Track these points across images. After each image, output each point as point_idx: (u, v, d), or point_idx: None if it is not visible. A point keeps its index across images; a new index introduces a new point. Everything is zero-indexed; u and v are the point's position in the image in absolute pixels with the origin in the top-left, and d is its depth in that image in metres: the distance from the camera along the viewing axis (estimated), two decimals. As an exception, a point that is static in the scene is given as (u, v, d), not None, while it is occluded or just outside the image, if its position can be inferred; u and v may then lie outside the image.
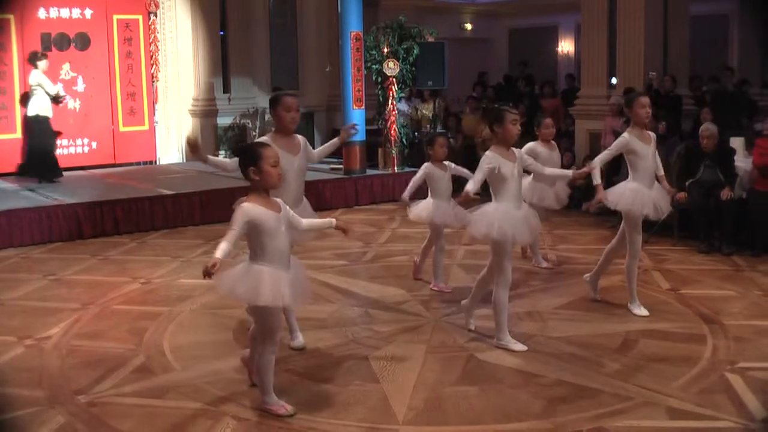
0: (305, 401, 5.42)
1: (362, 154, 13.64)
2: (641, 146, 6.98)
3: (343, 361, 6.17)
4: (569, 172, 7.23)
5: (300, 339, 6.47)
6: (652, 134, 7.19)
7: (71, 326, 7.12)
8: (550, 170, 7.18)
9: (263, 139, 5.98)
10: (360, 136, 13.50)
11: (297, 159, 6.09)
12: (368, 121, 14.20)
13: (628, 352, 6.31)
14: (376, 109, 14.68)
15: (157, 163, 15.65)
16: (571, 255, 9.42)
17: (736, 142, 10.37)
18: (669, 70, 12.72)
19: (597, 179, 6.95)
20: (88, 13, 14.46)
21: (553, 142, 8.75)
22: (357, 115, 13.41)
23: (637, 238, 7.20)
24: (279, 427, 5.08)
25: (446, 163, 7.91)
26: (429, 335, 6.73)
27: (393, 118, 14.11)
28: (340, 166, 13.78)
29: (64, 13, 14.23)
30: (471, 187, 6.16)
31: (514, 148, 6.35)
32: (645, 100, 7.05)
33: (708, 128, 9.59)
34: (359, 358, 6.23)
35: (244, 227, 4.86)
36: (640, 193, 7.02)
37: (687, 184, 9.58)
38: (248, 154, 5.00)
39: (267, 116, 15.20)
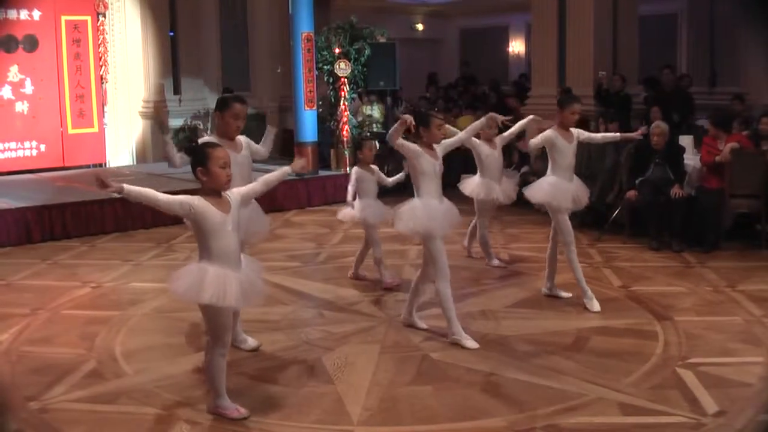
0: (259, 404, 5.39)
1: (314, 155, 13.59)
2: (564, 144, 7.35)
3: (296, 363, 6.15)
4: (481, 122, 7.40)
5: (250, 341, 6.46)
6: (576, 132, 7.48)
7: (21, 332, 7.02)
8: (465, 132, 7.12)
9: (212, 139, 5.94)
10: (312, 137, 13.47)
11: (240, 156, 6.15)
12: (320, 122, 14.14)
13: (580, 349, 6.36)
14: (328, 110, 14.66)
15: (107, 165, 15.47)
16: (524, 253, 9.46)
17: (685, 140, 10.49)
18: (618, 69, 12.82)
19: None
20: (36, 14, 14.26)
21: (495, 141, 8.87)
22: (308, 116, 13.37)
23: (566, 224, 7.41)
24: (233, 430, 5.05)
25: (373, 166, 8.23)
26: (383, 336, 6.73)
27: (345, 119, 14.10)
28: (292, 167, 13.69)
29: (12, 14, 14.03)
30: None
31: (435, 146, 6.55)
32: (577, 107, 7.45)
33: (659, 126, 9.69)
34: (313, 360, 6.20)
35: (181, 205, 4.84)
36: (559, 186, 7.36)
37: (637, 182, 9.68)
38: (197, 155, 4.97)
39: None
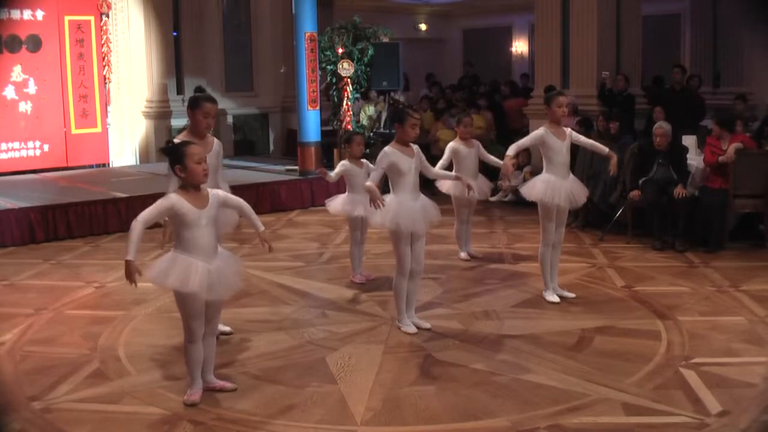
0: (262, 403, 5.40)
1: (318, 155, 13.58)
2: (555, 141, 7.36)
3: (300, 363, 6.15)
4: (452, 174, 7.90)
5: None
6: (568, 130, 7.54)
7: (25, 332, 7.02)
8: (436, 172, 7.33)
9: (183, 137, 6.15)
10: (315, 136, 13.48)
11: (208, 157, 6.17)
12: (323, 122, 14.14)
13: (583, 349, 6.35)
14: (331, 110, 14.65)
15: (110, 165, 15.45)
16: (527, 253, 9.44)
17: (689, 141, 10.48)
18: (622, 69, 12.80)
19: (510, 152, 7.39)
20: (39, 14, 14.26)
21: (474, 141, 9.21)
22: (312, 115, 13.37)
23: (550, 227, 7.50)
24: (236, 430, 5.05)
25: (363, 160, 8.31)
26: (386, 335, 6.73)
27: (348, 119, 14.10)
28: (296, 167, 13.71)
29: (15, 14, 14.02)
30: (371, 182, 6.54)
31: (413, 145, 6.69)
32: (562, 99, 7.44)
33: (661, 126, 9.69)
34: (316, 360, 6.21)
35: (161, 212, 5.23)
36: (553, 184, 7.36)
37: (640, 182, 9.67)
38: (174, 153, 5.27)
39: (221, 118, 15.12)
